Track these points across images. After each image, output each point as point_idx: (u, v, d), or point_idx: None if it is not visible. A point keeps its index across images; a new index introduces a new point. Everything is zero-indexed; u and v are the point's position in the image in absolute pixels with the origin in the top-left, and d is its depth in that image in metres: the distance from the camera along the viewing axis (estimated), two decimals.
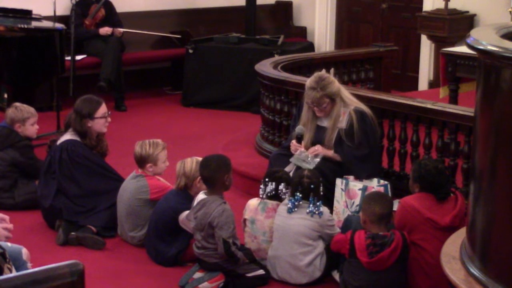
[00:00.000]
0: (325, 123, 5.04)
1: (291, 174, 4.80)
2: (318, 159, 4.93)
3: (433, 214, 4.15)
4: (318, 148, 4.96)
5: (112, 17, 8.61)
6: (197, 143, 7.11)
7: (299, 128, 5.04)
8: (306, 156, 4.93)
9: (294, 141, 5.02)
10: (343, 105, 4.98)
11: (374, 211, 4.14)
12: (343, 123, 4.96)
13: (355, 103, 5.01)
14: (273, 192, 4.63)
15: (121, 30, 8.43)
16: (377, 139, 5.05)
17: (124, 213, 4.96)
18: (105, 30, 8.37)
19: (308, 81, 5.01)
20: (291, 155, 5.09)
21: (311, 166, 4.85)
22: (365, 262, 4.10)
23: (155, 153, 4.96)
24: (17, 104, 5.80)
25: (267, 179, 4.67)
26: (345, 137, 4.93)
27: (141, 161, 4.98)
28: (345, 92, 5.04)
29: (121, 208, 4.99)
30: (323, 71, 5.23)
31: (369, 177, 4.89)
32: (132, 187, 4.96)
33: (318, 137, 5.03)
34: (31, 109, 5.78)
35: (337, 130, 4.98)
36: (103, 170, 5.22)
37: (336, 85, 4.98)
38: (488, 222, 3.29)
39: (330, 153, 4.97)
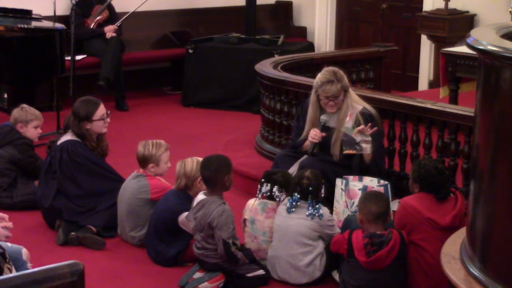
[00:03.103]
0: (331, 123, 5.02)
1: (293, 175, 4.79)
2: (369, 141, 4.78)
3: (433, 214, 4.15)
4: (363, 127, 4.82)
5: (112, 18, 8.62)
6: (197, 143, 7.11)
7: (325, 115, 4.98)
8: (353, 139, 4.79)
9: (316, 129, 4.94)
10: (350, 103, 4.95)
11: (370, 210, 4.15)
12: (349, 124, 4.93)
13: (361, 103, 4.99)
14: (268, 193, 4.63)
15: (115, 26, 8.43)
16: (383, 142, 5.03)
17: (125, 213, 4.96)
18: (110, 28, 8.36)
19: (322, 77, 4.93)
20: (297, 156, 5.07)
21: (368, 150, 4.76)
22: (363, 262, 4.10)
23: (157, 153, 4.96)
24: (24, 105, 5.80)
25: (263, 180, 4.67)
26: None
27: (144, 161, 4.97)
28: (351, 90, 5.04)
29: (121, 208, 4.99)
30: (330, 67, 5.12)
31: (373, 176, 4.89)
32: (133, 187, 4.96)
33: (325, 137, 4.98)
34: (37, 112, 5.78)
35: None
36: (103, 171, 5.22)
37: (346, 78, 4.99)
38: (488, 222, 3.29)
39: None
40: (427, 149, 4.98)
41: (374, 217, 4.15)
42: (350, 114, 4.95)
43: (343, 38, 10.04)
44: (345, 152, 4.85)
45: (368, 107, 4.99)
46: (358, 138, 4.81)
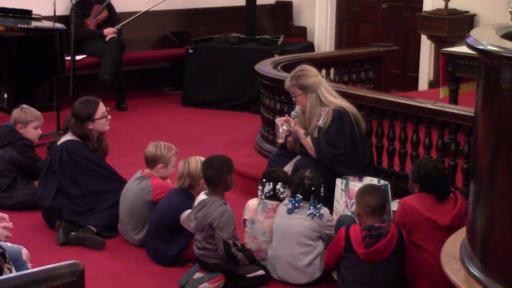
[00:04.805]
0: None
1: (289, 174, 4.80)
2: (283, 134, 5.02)
3: (433, 214, 4.15)
4: (291, 121, 4.99)
5: (112, 17, 8.62)
6: (197, 143, 7.11)
7: (295, 112, 5.06)
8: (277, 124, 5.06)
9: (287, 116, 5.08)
10: (321, 104, 4.94)
11: (368, 202, 4.16)
12: (320, 121, 4.94)
13: (338, 103, 4.95)
14: (271, 192, 4.62)
15: (115, 29, 8.43)
16: (356, 139, 4.93)
17: (126, 214, 4.95)
18: (109, 31, 8.36)
19: None
20: (290, 156, 5.09)
21: (279, 137, 5.03)
22: (362, 254, 4.10)
23: (168, 155, 4.95)
24: (24, 106, 5.79)
25: (264, 180, 4.66)
26: (321, 135, 4.91)
27: (153, 161, 4.96)
28: (325, 92, 4.96)
29: (123, 209, 4.99)
30: (306, 65, 5.17)
31: (362, 174, 4.88)
32: (135, 188, 4.95)
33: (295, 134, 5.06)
34: (37, 113, 5.76)
35: (316, 128, 4.95)
36: (103, 171, 5.22)
37: (312, 80, 4.95)
38: (488, 222, 3.30)
39: (301, 132, 4.95)
40: (427, 149, 4.98)
41: (372, 210, 4.17)
42: (324, 111, 4.94)
43: (343, 38, 10.04)
44: (278, 141, 5.12)
45: (345, 105, 4.95)
46: (285, 126, 4.99)
